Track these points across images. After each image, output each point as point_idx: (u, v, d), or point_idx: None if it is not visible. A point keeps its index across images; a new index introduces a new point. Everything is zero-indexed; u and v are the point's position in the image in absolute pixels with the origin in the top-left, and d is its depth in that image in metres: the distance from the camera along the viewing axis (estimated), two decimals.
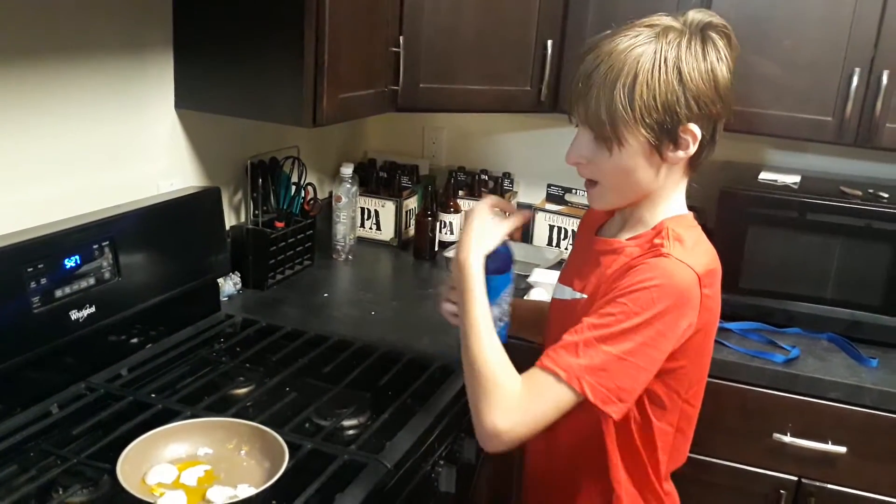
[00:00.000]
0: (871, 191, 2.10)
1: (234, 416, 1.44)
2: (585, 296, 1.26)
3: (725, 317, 2.10)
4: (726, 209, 2.11)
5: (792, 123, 2.10)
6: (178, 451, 1.33)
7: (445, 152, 2.84)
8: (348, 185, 2.43)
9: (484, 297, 1.22)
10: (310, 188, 2.33)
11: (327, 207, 2.49)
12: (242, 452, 1.34)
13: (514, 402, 1.13)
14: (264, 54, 1.79)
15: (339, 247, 2.46)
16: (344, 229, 2.45)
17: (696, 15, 1.17)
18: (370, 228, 2.63)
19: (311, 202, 2.34)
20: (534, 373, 1.15)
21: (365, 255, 2.54)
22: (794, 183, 2.16)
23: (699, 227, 1.26)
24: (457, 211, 2.61)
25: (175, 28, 1.87)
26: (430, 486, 1.57)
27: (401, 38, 2.00)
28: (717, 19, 1.19)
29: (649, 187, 1.22)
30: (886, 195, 2.06)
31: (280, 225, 2.20)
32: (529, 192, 2.73)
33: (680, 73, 1.13)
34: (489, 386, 1.15)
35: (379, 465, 1.37)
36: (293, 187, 2.27)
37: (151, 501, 1.16)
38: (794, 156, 2.42)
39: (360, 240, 2.60)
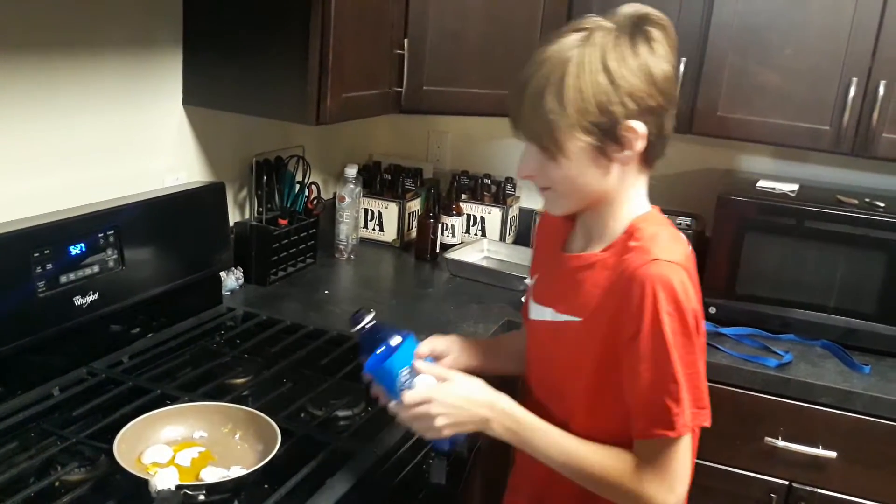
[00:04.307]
0: (867, 200, 2.12)
1: (230, 402, 1.47)
2: (578, 318, 1.23)
3: (721, 321, 2.14)
4: (724, 216, 2.14)
5: (790, 132, 2.12)
6: (174, 433, 1.37)
7: (449, 156, 2.88)
8: (352, 186, 2.47)
9: (543, 424, 1.22)
10: (314, 187, 2.37)
11: (331, 207, 2.53)
12: (237, 436, 1.38)
13: (659, 483, 1.16)
14: (271, 53, 1.83)
15: (341, 246, 2.49)
16: (346, 229, 2.48)
17: (627, 9, 1.16)
18: (373, 229, 2.67)
19: (315, 201, 2.37)
20: (651, 444, 1.16)
21: (367, 255, 2.57)
22: (792, 191, 2.19)
23: (667, 221, 1.25)
24: (459, 214, 2.65)
25: (185, 26, 1.91)
26: (422, 476, 1.59)
27: (405, 40, 2.04)
28: (652, 12, 1.16)
29: (604, 189, 1.20)
30: (882, 204, 2.09)
31: (283, 222, 2.24)
32: (531, 198, 2.76)
33: (609, 71, 1.11)
34: (628, 494, 1.17)
35: (370, 454, 1.40)
36: (297, 186, 2.31)
37: (145, 478, 1.19)
38: (793, 165, 2.45)
39: (363, 240, 2.64)
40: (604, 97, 1.11)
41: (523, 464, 1.40)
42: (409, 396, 1.22)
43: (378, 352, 1.25)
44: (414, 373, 1.25)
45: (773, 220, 2.11)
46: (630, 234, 1.20)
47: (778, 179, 2.28)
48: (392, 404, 1.26)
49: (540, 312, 1.32)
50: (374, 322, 1.27)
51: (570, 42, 1.13)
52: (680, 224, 2.29)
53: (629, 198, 1.22)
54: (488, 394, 1.24)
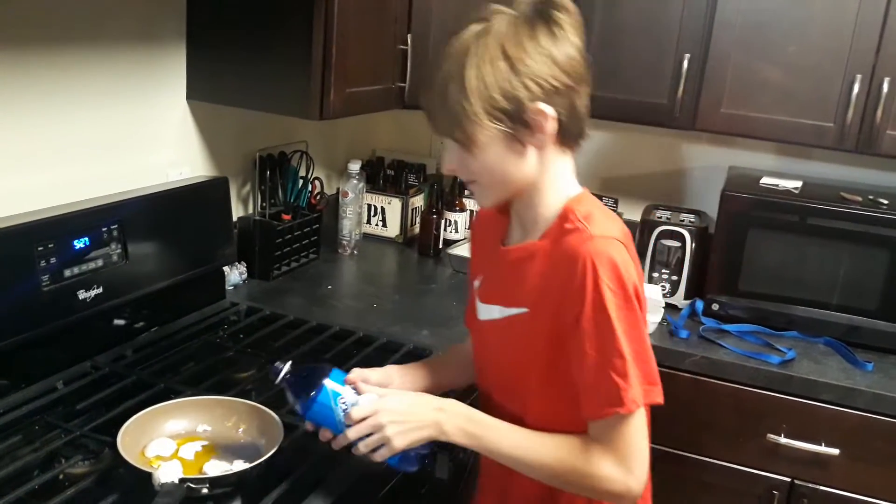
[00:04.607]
0: (871, 197, 2.12)
1: (234, 396, 1.47)
2: (525, 309, 1.22)
3: (723, 318, 2.14)
4: (727, 212, 2.14)
5: (794, 129, 2.12)
6: (178, 426, 1.37)
7: None
8: (355, 181, 2.47)
9: (496, 421, 1.21)
10: (317, 182, 2.37)
11: (334, 202, 2.53)
12: (240, 430, 1.37)
13: (615, 463, 1.14)
14: (275, 48, 1.83)
15: (344, 241, 2.50)
16: (350, 224, 2.48)
17: None
18: (376, 225, 2.67)
19: (318, 196, 2.38)
20: (603, 425, 1.14)
21: (370, 251, 2.57)
22: (796, 188, 2.18)
23: (599, 201, 1.24)
24: (462, 210, 2.65)
25: (188, 21, 1.91)
26: (425, 471, 1.59)
27: (408, 35, 2.04)
28: None
29: (525, 175, 1.19)
30: (886, 202, 2.08)
31: (287, 218, 2.24)
32: None
33: (508, 58, 1.11)
34: (586, 479, 1.16)
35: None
36: (300, 181, 2.31)
37: (149, 472, 1.19)
38: (797, 162, 2.45)
39: (366, 236, 2.64)
40: (506, 84, 1.11)
41: (487, 463, 1.40)
42: (355, 412, 1.20)
43: (309, 394, 1.22)
44: (354, 397, 1.23)
45: (777, 217, 2.11)
46: (564, 217, 1.19)
47: (781, 176, 2.28)
48: (340, 436, 1.23)
49: (488, 312, 1.31)
50: (291, 370, 1.25)
51: (469, 33, 1.14)
52: (683, 220, 2.29)
53: (555, 181, 1.21)
54: (437, 398, 1.25)
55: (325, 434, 1.25)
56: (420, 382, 1.41)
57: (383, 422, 1.19)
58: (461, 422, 1.21)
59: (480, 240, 1.41)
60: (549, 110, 1.13)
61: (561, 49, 1.13)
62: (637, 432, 1.14)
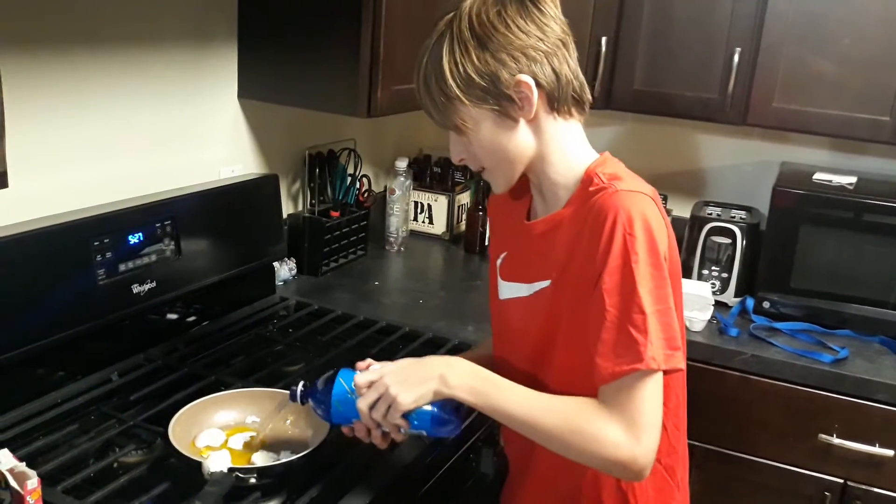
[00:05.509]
0: None
1: (282, 389, 1.49)
2: (548, 281, 1.20)
3: (775, 316, 2.11)
4: (779, 208, 2.10)
5: (848, 123, 2.08)
6: (227, 417, 1.40)
7: None
8: (402, 179, 2.49)
9: (504, 380, 1.16)
10: (365, 180, 2.39)
11: (381, 200, 2.56)
12: (288, 422, 1.40)
13: (624, 429, 1.07)
14: (323, 46, 1.86)
15: (391, 238, 2.52)
16: (397, 221, 2.50)
17: None
18: (422, 222, 2.69)
19: (366, 194, 2.40)
20: (616, 387, 1.08)
21: (416, 248, 2.59)
22: (850, 184, 2.14)
23: (622, 163, 1.21)
24: None
25: (240, 21, 1.95)
26: (470, 465, 1.60)
27: None
28: None
29: (526, 149, 1.18)
30: None
31: (335, 214, 2.27)
32: None
33: (477, 36, 1.11)
34: (591, 444, 1.09)
35: (419, 441, 1.41)
36: (349, 178, 2.34)
37: (199, 461, 1.22)
38: (851, 157, 2.39)
39: (413, 233, 2.66)
40: (479, 63, 1.12)
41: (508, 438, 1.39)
42: (359, 378, 1.20)
43: (328, 395, 1.23)
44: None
45: (830, 213, 2.07)
46: (588, 181, 1.16)
47: (835, 172, 2.23)
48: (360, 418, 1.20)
49: (511, 290, 1.29)
50: (304, 385, 1.27)
51: (442, 22, 1.16)
52: (734, 217, 2.26)
53: (565, 150, 1.19)
54: (443, 356, 1.24)
55: (360, 429, 1.23)
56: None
57: (387, 382, 1.17)
58: (467, 377, 1.17)
59: (498, 220, 1.39)
60: (528, 79, 1.12)
61: (531, 17, 1.13)
62: (651, 398, 1.07)
